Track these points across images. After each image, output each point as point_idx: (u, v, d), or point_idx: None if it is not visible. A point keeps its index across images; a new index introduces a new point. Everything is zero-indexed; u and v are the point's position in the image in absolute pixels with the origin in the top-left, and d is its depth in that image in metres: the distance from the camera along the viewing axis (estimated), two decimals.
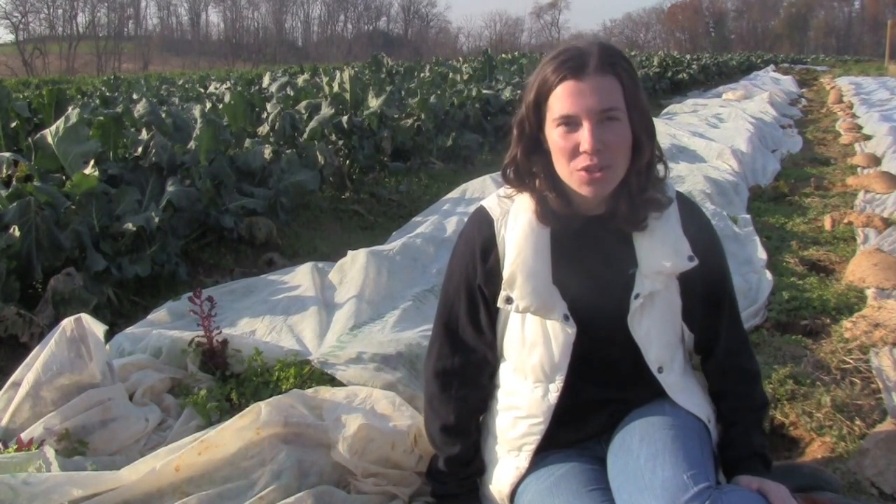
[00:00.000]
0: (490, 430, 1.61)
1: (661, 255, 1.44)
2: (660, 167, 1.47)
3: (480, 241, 1.52)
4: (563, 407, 1.49)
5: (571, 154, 1.37)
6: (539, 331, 1.47)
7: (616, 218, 1.45)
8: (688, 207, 1.54)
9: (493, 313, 1.55)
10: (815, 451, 2.03)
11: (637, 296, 1.45)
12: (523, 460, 1.52)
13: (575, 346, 1.46)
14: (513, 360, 1.54)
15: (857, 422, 2.09)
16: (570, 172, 1.39)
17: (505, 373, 1.58)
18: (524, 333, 1.49)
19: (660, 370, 1.47)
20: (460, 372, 1.58)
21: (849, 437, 2.03)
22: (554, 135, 1.39)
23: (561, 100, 1.36)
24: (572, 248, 1.48)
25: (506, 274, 1.46)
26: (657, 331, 1.47)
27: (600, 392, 1.52)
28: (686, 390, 1.51)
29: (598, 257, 1.48)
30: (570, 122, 1.36)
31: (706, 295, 1.54)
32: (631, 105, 1.38)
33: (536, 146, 1.46)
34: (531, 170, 1.46)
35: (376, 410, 1.90)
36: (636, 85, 1.39)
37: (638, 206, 1.43)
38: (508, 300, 1.46)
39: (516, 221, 1.48)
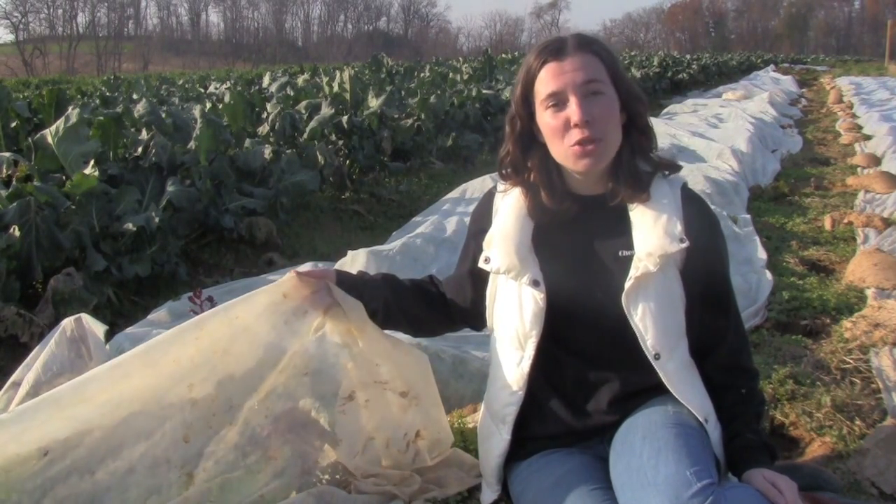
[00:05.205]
0: (485, 406, 1.67)
1: (652, 235, 1.45)
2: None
3: (481, 211, 1.65)
4: (551, 381, 1.54)
5: (563, 131, 1.43)
6: (516, 297, 1.52)
7: (616, 195, 1.48)
8: (693, 202, 1.53)
9: (479, 284, 1.62)
10: (815, 451, 2.02)
11: (630, 277, 1.45)
12: (505, 432, 1.56)
13: (550, 316, 1.49)
14: (497, 329, 1.60)
15: (857, 422, 2.09)
16: (565, 151, 1.45)
17: (492, 345, 1.63)
18: (506, 301, 1.55)
19: (657, 357, 1.45)
20: (440, 291, 1.72)
21: (849, 437, 2.02)
22: (545, 117, 1.45)
23: (545, 81, 1.44)
24: (560, 225, 1.52)
25: (488, 235, 1.56)
26: (654, 316, 1.45)
27: (587, 370, 1.52)
28: (685, 382, 1.49)
29: (588, 237, 1.51)
30: (557, 101, 1.43)
31: (707, 294, 1.53)
32: (615, 78, 1.45)
33: (531, 140, 1.53)
34: (526, 164, 1.54)
35: None
36: (616, 61, 1.47)
37: (639, 176, 1.48)
38: (487, 260, 1.55)
39: (512, 195, 1.58)
